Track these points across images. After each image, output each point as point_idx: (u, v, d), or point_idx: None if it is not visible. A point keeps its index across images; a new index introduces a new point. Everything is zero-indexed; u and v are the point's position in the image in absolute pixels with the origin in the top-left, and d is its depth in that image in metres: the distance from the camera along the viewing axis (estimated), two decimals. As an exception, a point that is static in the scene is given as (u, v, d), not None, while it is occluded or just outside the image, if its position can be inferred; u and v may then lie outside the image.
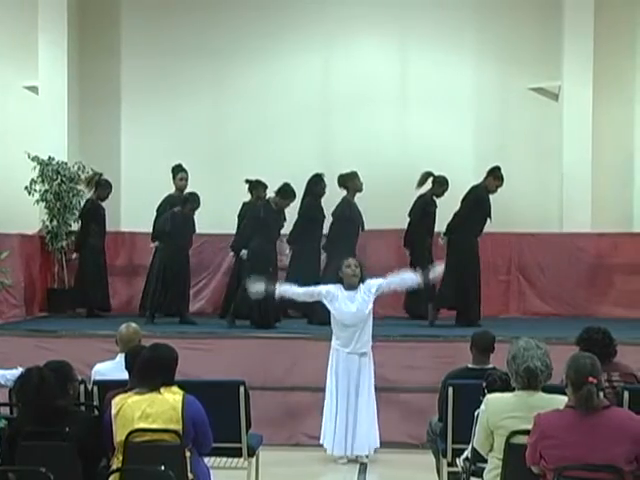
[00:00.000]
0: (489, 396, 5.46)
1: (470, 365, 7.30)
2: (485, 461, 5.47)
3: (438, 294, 11.05)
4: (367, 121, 13.30)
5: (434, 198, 11.63)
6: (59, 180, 12.66)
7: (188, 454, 5.48)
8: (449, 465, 7.01)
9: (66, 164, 12.79)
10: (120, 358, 6.86)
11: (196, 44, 13.48)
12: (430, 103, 13.35)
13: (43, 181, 12.70)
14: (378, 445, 8.75)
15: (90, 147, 13.45)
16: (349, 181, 11.31)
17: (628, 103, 13.20)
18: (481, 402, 5.47)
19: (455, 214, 11.08)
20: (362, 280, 8.61)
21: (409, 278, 8.75)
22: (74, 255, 12.27)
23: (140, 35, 13.62)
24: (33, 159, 12.64)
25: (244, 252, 11.00)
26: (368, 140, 13.19)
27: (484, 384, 6.16)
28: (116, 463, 5.44)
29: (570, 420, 4.83)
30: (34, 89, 13.41)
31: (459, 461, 6.62)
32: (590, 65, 12.76)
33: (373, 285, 8.57)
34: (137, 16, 13.68)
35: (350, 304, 8.53)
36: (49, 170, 12.68)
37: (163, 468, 5.19)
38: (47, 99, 13.22)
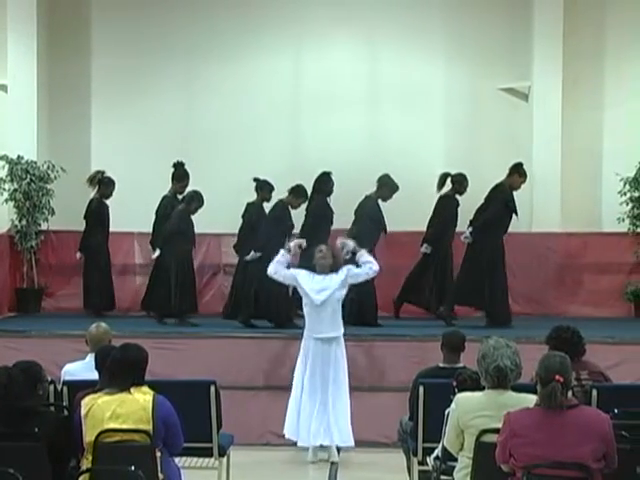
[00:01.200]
0: (459, 395, 5.49)
1: (441, 364, 7.34)
2: (455, 460, 5.49)
3: (458, 292, 11.11)
4: (338, 121, 13.31)
5: (457, 197, 11.66)
6: (28, 179, 12.57)
7: (158, 454, 5.46)
8: (420, 464, 7.03)
9: (35, 163, 12.70)
10: (90, 358, 6.82)
11: (167, 43, 13.42)
12: (400, 103, 13.38)
13: (12, 180, 12.61)
14: (352, 444, 8.74)
15: (60, 146, 13.35)
16: (387, 188, 11.30)
17: (597, 104, 13.29)
18: (451, 401, 5.50)
19: (479, 212, 11.08)
20: (336, 269, 8.70)
21: (372, 271, 8.78)
22: (78, 255, 12.16)
23: (111, 34, 13.52)
24: (2, 158, 12.54)
25: (255, 255, 10.78)
26: (338, 139, 13.19)
27: (454, 383, 6.19)
28: (86, 464, 5.42)
29: (539, 418, 4.86)
30: (3, 87, 13.29)
31: (430, 460, 6.64)
32: (559, 66, 12.84)
33: (344, 271, 8.67)
34: (107, 15, 13.58)
35: (320, 284, 8.62)
36: (18, 169, 12.58)
37: (133, 468, 5.18)
38: (16, 98, 13.09)
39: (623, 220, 12.57)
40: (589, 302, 12.36)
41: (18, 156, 12.63)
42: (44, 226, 12.78)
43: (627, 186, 12.57)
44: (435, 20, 13.39)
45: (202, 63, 13.50)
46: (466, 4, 13.39)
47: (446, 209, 11.55)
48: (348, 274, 8.68)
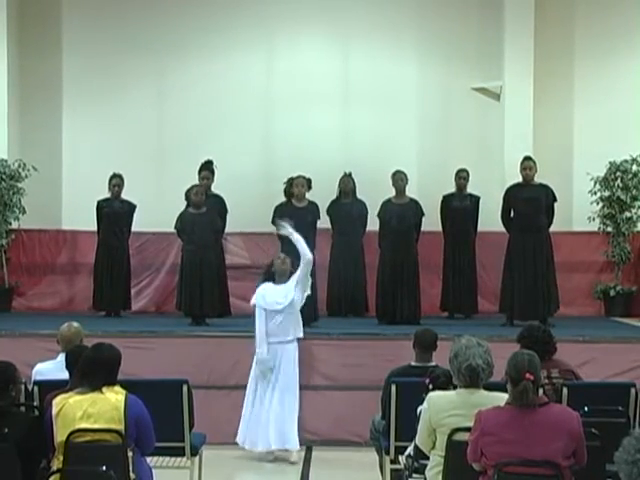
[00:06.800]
0: (431, 394, 5.50)
1: (413, 363, 7.36)
2: (427, 458, 5.51)
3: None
4: (310, 119, 13.31)
5: None
6: (-1, 178, 12.51)
7: (130, 454, 5.44)
8: (392, 462, 7.05)
9: (6, 161, 12.61)
10: (61, 358, 6.77)
11: (139, 42, 13.36)
12: (373, 102, 13.40)
13: (-18, 179, 12.53)
14: (297, 447, 8.77)
15: (31, 145, 13.26)
16: None
17: (568, 103, 13.38)
18: (424, 400, 5.51)
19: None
20: (292, 273, 8.85)
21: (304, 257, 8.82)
22: None
23: (82, 32, 13.43)
24: (-28, 156, 12.47)
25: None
26: (311, 137, 13.20)
27: (426, 382, 6.21)
28: (57, 464, 5.38)
29: (509, 417, 4.89)
30: (-27, 86, 13.19)
31: (402, 458, 6.66)
32: (531, 65, 12.90)
33: (294, 277, 8.81)
34: (79, 13, 13.50)
35: (279, 292, 8.76)
36: (-12, 168, 12.51)
37: (105, 468, 5.15)
38: (-14, 96, 13.00)
39: (593, 219, 12.66)
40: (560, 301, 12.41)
41: (-12, 154, 12.55)
42: (15, 225, 12.69)
43: (597, 185, 12.66)
44: (408, 20, 13.42)
45: (174, 61, 13.45)
46: (438, 4, 13.43)
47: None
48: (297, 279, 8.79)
